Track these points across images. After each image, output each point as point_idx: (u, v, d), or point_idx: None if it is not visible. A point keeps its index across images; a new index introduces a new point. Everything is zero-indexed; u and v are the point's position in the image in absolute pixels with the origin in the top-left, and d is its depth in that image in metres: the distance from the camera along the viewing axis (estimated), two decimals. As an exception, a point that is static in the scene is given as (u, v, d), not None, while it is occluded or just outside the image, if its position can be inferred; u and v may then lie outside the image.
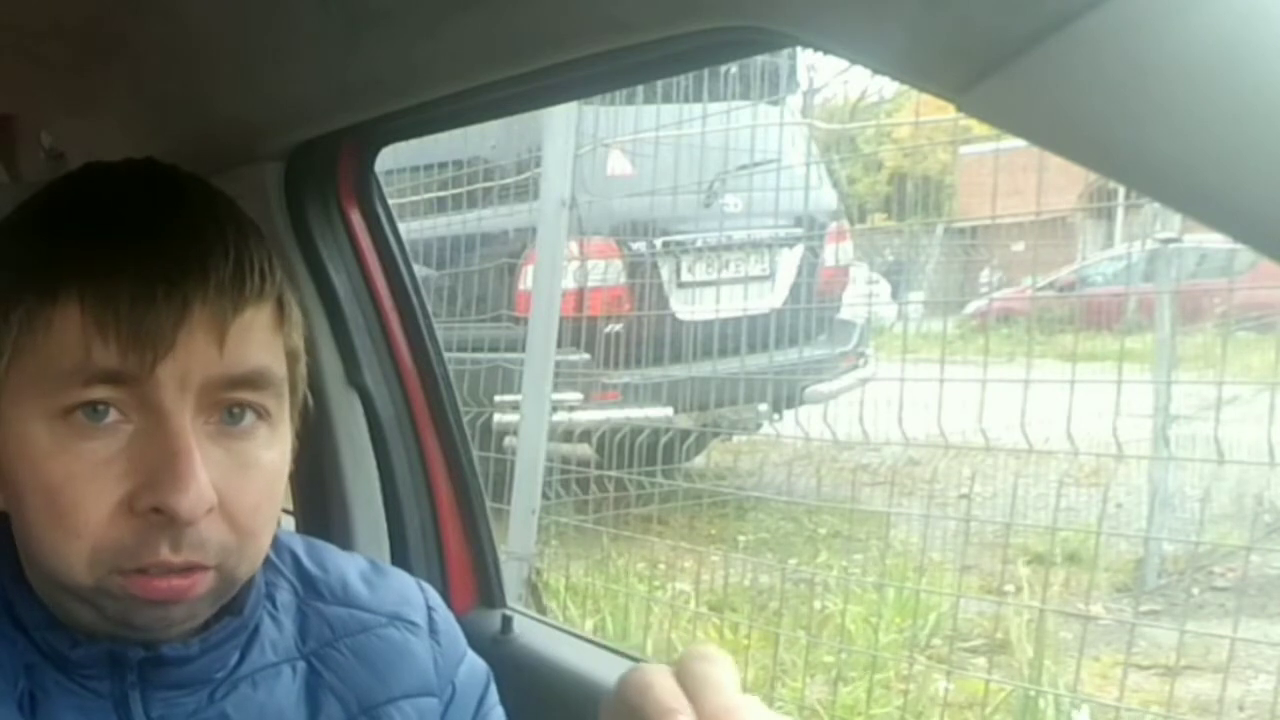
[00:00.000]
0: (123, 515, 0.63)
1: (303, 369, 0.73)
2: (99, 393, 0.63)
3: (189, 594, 0.64)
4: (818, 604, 3.15)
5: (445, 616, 0.84)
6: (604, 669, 1.17)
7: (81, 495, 0.63)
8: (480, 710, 0.83)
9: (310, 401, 1.17)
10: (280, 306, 0.69)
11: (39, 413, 0.63)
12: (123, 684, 0.69)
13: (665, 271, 4.08)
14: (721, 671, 0.46)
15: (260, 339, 0.67)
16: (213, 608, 0.70)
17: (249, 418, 0.66)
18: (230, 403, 0.65)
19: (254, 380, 0.66)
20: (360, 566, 0.84)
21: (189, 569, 0.64)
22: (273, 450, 0.68)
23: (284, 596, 0.78)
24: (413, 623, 0.81)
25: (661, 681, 0.46)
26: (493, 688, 0.86)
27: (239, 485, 0.65)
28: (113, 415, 0.63)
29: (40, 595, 0.68)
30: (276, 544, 0.80)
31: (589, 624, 3.25)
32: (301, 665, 0.76)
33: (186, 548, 0.63)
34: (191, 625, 0.69)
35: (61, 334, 0.63)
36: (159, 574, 0.63)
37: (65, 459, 0.63)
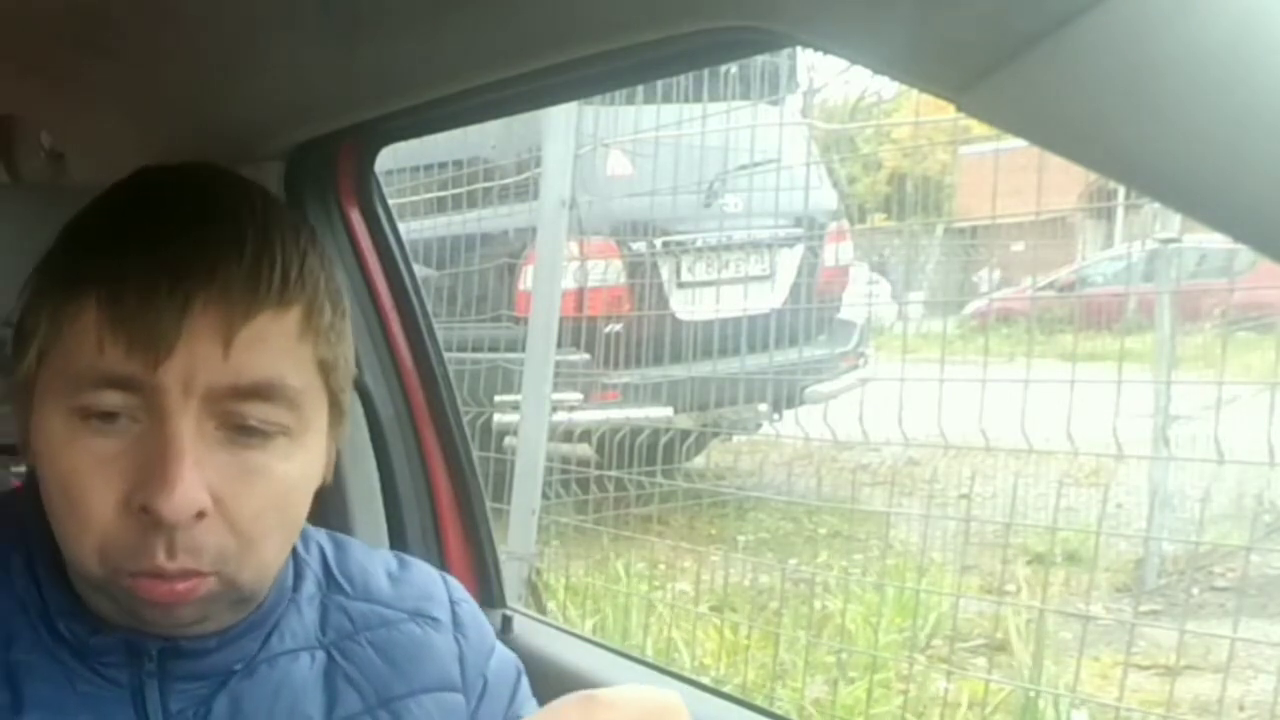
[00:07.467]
0: (125, 513, 0.64)
1: (341, 378, 0.71)
2: (109, 398, 0.64)
3: (188, 598, 0.65)
4: (818, 604, 3.14)
5: (470, 610, 0.84)
6: (604, 669, 1.17)
7: (87, 489, 0.64)
8: (514, 702, 0.83)
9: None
10: (310, 313, 0.67)
11: (59, 408, 0.65)
12: (140, 673, 0.69)
13: (665, 271, 4.08)
14: None
15: (278, 347, 0.65)
16: (232, 613, 0.70)
17: (265, 429, 0.65)
18: (239, 415, 0.64)
19: (263, 391, 0.64)
20: (386, 562, 0.84)
21: (185, 575, 0.64)
22: (290, 462, 0.67)
23: (308, 588, 0.78)
24: (434, 618, 0.81)
25: None
26: (524, 679, 0.85)
27: (241, 491, 0.65)
28: (124, 416, 0.64)
29: (72, 582, 0.69)
30: (305, 537, 0.80)
31: (589, 624, 3.24)
32: (320, 654, 0.76)
33: (181, 553, 0.63)
34: (210, 626, 0.69)
35: (80, 334, 0.64)
36: (157, 578, 0.64)
37: (75, 452, 0.64)
